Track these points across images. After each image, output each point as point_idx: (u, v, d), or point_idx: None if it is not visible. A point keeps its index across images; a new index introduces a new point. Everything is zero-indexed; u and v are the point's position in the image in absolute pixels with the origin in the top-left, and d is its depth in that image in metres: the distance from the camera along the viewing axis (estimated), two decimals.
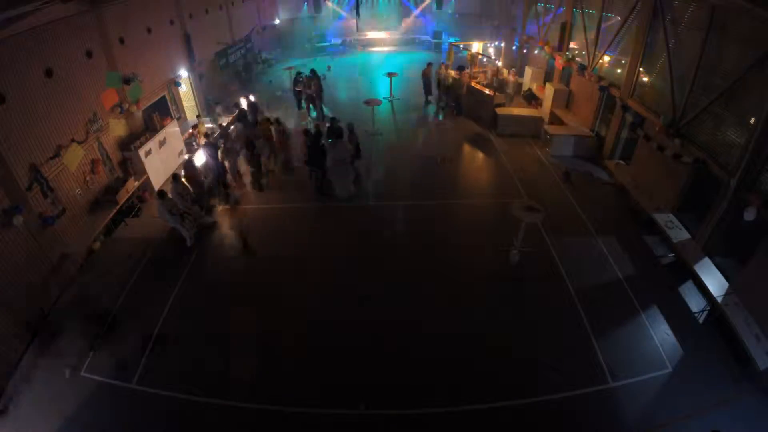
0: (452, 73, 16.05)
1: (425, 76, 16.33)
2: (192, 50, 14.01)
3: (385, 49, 25.29)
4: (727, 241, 7.79)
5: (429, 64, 16.54)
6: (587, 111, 13.21)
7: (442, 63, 17.12)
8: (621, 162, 11.33)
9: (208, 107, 15.21)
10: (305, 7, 24.79)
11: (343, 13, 25.40)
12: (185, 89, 14.07)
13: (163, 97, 12.54)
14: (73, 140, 8.52)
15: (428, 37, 25.86)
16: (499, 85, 16.32)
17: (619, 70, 11.76)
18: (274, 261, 8.73)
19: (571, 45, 14.20)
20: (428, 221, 9.80)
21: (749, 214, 6.69)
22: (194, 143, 12.63)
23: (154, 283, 8.15)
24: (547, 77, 16.16)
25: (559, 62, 14.30)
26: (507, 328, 7.15)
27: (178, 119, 12.83)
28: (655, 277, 8.11)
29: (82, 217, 8.82)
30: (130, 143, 10.24)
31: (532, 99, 16.38)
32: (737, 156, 7.37)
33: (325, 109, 15.41)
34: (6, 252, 6.78)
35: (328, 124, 12.06)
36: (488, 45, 21.73)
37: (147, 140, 10.53)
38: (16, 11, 6.59)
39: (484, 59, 19.28)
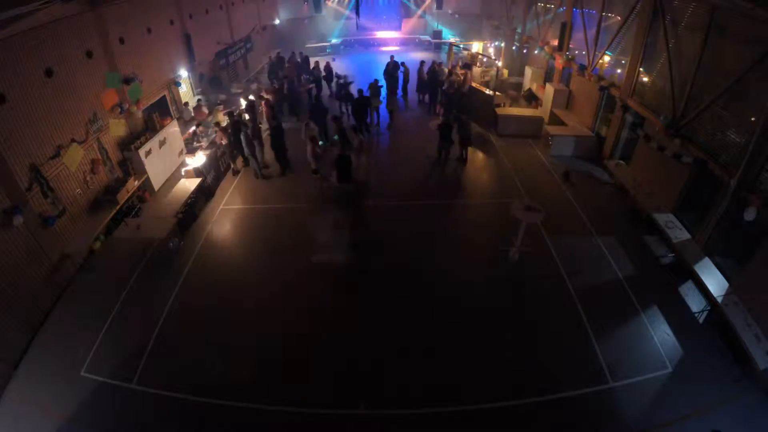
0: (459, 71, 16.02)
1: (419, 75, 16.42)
2: (192, 50, 14.00)
3: (386, 49, 25.31)
4: (727, 241, 7.79)
5: (422, 62, 16.64)
6: (587, 111, 13.21)
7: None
8: (621, 162, 11.33)
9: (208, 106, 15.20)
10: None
11: (346, 13, 25.47)
12: (185, 89, 14.06)
13: (163, 97, 12.54)
14: (73, 140, 8.52)
15: (428, 37, 25.90)
16: (499, 85, 16.34)
17: (619, 70, 11.76)
18: (275, 260, 8.73)
19: (571, 45, 14.21)
20: (428, 221, 9.80)
21: (749, 214, 6.69)
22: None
23: (154, 283, 8.16)
24: (547, 77, 16.18)
25: (559, 62, 14.31)
26: (507, 328, 7.15)
27: (178, 119, 12.82)
28: (655, 277, 8.11)
29: (82, 217, 8.81)
30: (130, 143, 10.23)
31: (532, 99, 16.40)
32: (737, 156, 7.38)
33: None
34: (6, 252, 6.78)
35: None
36: (488, 45, 21.78)
37: (147, 140, 10.53)
38: (16, 11, 6.58)
39: (484, 59, 19.32)
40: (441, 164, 12.11)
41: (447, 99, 14.09)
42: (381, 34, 26.39)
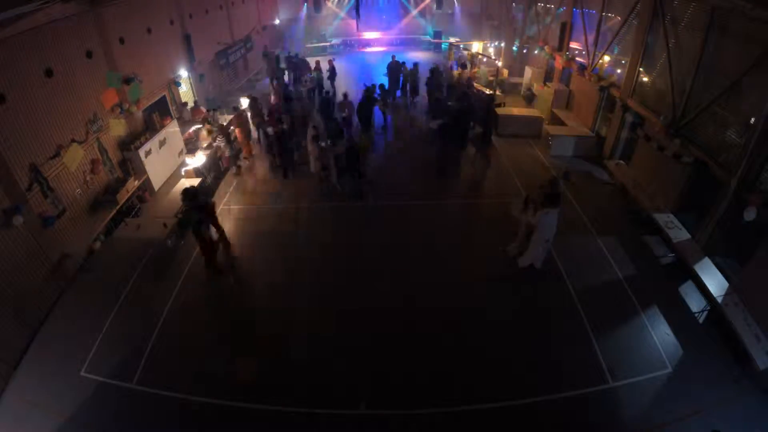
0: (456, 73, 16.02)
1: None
2: (192, 50, 14.00)
3: (385, 49, 25.33)
4: (727, 241, 7.79)
5: (415, 65, 16.66)
6: (587, 111, 13.21)
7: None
8: (621, 162, 11.34)
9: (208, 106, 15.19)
10: (305, 7, 24.79)
11: (342, 14, 25.52)
12: (185, 89, 14.06)
13: (163, 97, 12.54)
14: (73, 140, 8.51)
15: (428, 37, 25.91)
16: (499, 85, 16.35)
17: (619, 70, 11.77)
18: (275, 260, 8.73)
19: (571, 45, 14.21)
20: (428, 221, 9.80)
21: (749, 214, 6.69)
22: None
23: (154, 283, 8.16)
24: (547, 77, 16.19)
25: (559, 62, 14.32)
26: (506, 328, 7.15)
27: (178, 119, 12.82)
28: (655, 277, 8.10)
29: (82, 217, 8.81)
30: (130, 143, 10.23)
31: (532, 99, 16.41)
32: (737, 156, 7.38)
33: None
34: (6, 252, 6.78)
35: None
36: (488, 45, 21.80)
37: (147, 140, 10.53)
38: (16, 11, 6.58)
39: (484, 59, 19.33)
40: (442, 164, 12.10)
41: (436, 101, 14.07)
42: (381, 35, 26.38)
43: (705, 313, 7.25)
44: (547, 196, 7.69)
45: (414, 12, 25.90)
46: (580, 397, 6.04)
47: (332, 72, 17.37)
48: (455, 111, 12.59)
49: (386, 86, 15.38)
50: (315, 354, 6.74)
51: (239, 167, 12.17)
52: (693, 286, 7.81)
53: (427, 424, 5.79)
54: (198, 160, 10.80)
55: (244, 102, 14.08)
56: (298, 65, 17.93)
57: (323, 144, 10.93)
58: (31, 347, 6.94)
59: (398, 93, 17.18)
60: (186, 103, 13.67)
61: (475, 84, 15.71)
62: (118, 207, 9.43)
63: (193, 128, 12.91)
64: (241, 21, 18.89)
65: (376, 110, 14.46)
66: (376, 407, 5.95)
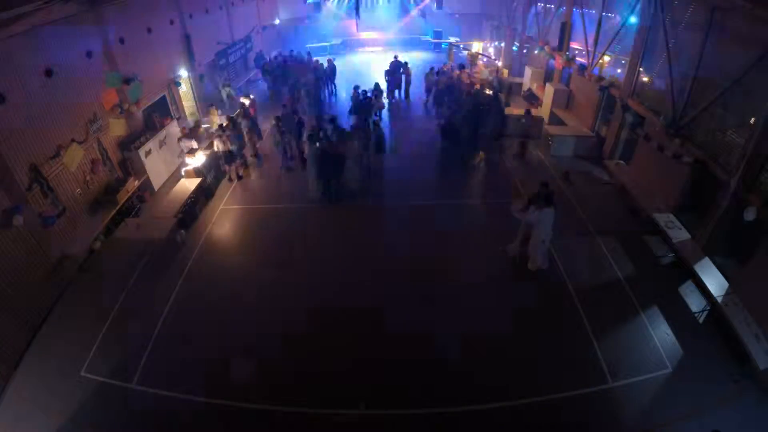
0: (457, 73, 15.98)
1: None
2: (192, 50, 14.01)
3: (386, 49, 25.32)
4: (727, 241, 7.78)
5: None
6: (587, 111, 13.21)
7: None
8: (621, 162, 11.33)
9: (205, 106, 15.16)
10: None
11: (341, 14, 25.52)
12: (185, 89, 14.06)
13: (163, 97, 12.54)
14: (73, 140, 8.51)
15: (428, 37, 25.89)
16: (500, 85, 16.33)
17: (619, 70, 11.76)
18: (275, 260, 8.73)
19: (571, 45, 14.21)
20: (428, 221, 9.79)
21: (749, 214, 6.69)
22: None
23: (154, 283, 8.16)
24: (547, 77, 16.18)
25: (559, 62, 14.31)
26: (507, 328, 7.14)
27: (178, 119, 12.82)
28: (655, 277, 8.10)
29: (82, 217, 8.81)
30: (130, 143, 10.24)
31: (532, 99, 16.40)
32: (737, 156, 7.38)
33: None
34: (6, 252, 6.78)
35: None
36: (488, 45, 21.80)
37: (147, 140, 10.53)
38: (16, 11, 6.59)
39: (484, 59, 19.33)
40: (443, 165, 12.10)
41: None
42: (380, 35, 26.36)
43: (705, 313, 7.25)
44: (541, 196, 7.78)
45: (414, 12, 25.88)
46: (580, 397, 6.04)
47: (332, 71, 17.36)
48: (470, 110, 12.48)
49: (384, 86, 15.37)
50: (316, 354, 6.73)
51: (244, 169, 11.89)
52: (693, 286, 7.80)
53: (427, 423, 5.78)
54: (198, 160, 10.78)
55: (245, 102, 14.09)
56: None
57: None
58: (31, 347, 6.94)
59: (398, 93, 17.16)
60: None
61: (475, 84, 15.69)
62: (118, 207, 9.44)
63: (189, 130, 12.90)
64: (241, 21, 18.89)
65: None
66: (376, 407, 5.95)
